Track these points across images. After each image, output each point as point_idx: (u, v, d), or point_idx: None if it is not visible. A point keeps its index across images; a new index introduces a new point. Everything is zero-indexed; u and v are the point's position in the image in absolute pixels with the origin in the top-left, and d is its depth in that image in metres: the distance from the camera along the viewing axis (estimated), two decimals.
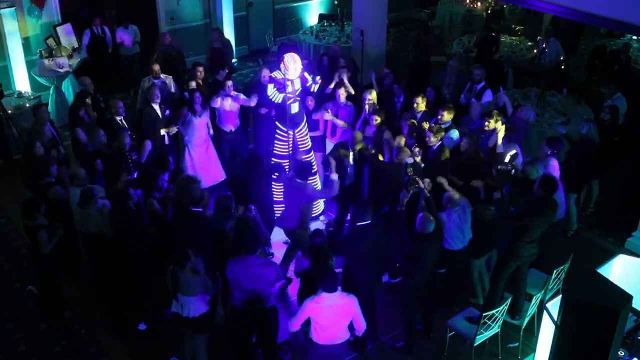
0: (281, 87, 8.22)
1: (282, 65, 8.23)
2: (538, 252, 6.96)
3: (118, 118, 8.76)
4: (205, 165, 9.31)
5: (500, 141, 8.09)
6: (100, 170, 7.84)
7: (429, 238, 6.40)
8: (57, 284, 7.24)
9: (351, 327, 5.95)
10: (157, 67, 10.00)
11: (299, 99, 8.48)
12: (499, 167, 7.37)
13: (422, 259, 6.45)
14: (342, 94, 8.97)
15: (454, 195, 7.00)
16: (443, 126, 8.38)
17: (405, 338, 6.94)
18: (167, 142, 9.19)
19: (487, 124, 8.18)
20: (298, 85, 8.41)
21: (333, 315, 5.69)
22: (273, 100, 8.45)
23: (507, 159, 7.55)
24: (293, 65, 8.18)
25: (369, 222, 6.60)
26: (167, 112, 9.22)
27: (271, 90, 8.41)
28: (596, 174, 8.84)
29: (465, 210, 7.01)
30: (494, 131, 8.17)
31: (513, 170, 7.32)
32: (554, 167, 7.60)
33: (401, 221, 6.84)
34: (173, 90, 10.03)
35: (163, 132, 9.07)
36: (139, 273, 6.98)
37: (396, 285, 7.46)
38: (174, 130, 9.12)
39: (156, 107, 9.10)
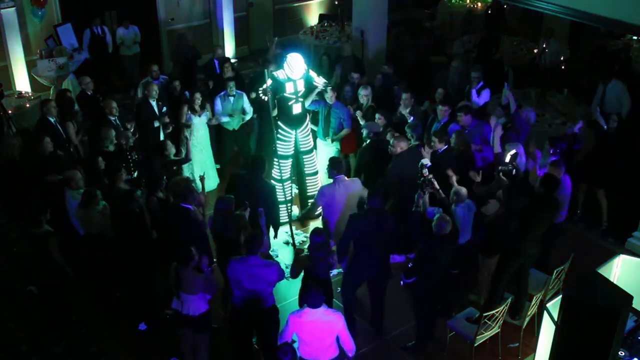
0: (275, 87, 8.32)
1: (285, 65, 8.27)
2: (539, 251, 6.98)
3: (112, 117, 8.79)
4: (202, 168, 9.33)
5: (497, 140, 8.15)
6: (102, 169, 7.86)
7: (444, 238, 6.37)
8: (64, 290, 7.15)
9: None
10: (155, 67, 10.04)
11: (301, 99, 8.51)
12: (500, 167, 7.39)
13: (437, 259, 6.44)
14: (331, 95, 8.94)
15: (460, 189, 7.02)
16: (442, 121, 8.51)
17: (417, 338, 6.93)
18: (162, 138, 9.22)
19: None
20: (301, 86, 8.45)
21: (316, 330, 5.56)
22: (261, 94, 8.56)
23: (507, 159, 7.57)
24: (296, 66, 8.24)
25: (379, 206, 6.62)
26: (164, 108, 9.24)
27: (265, 86, 8.46)
28: (600, 182, 8.74)
29: (469, 208, 7.01)
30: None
31: (514, 170, 7.34)
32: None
33: (416, 221, 6.85)
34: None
35: (157, 123, 9.11)
36: (140, 273, 6.98)
37: (410, 285, 7.48)
38: (169, 128, 9.12)
39: (153, 103, 9.12)
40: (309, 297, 5.53)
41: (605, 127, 8.62)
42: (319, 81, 8.76)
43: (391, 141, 7.83)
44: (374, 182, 7.84)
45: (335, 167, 7.51)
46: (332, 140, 9.05)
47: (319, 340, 5.60)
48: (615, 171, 8.64)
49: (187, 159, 8.73)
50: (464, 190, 7.07)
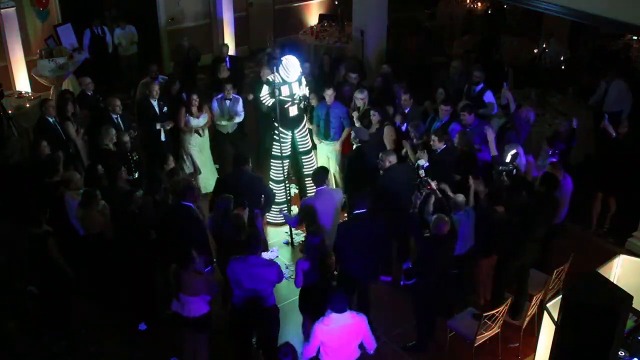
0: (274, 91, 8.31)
1: (280, 68, 8.28)
2: (539, 251, 6.97)
3: (114, 115, 8.80)
4: (202, 169, 9.35)
5: (492, 143, 8.15)
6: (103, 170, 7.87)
7: (443, 239, 6.37)
8: (64, 290, 7.11)
9: (361, 346, 5.74)
10: (154, 67, 10.04)
11: (297, 101, 8.52)
12: (500, 167, 7.39)
13: (436, 259, 6.43)
14: (330, 95, 8.94)
15: (457, 198, 7.01)
16: (444, 120, 8.55)
17: (417, 338, 6.94)
18: (162, 138, 9.22)
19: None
20: (296, 89, 8.46)
21: (343, 335, 5.49)
22: (263, 101, 8.62)
23: (507, 159, 7.57)
24: (292, 68, 8.25)
25: (365, 210, 6.62)
26: (165, 108, 9.25)
27: (264, 92, 8.57)
28: (614, 190, 8.62)
29: (469, 215, 7.01)
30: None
31: (514, 170, 7.34)
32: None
33: (414, 223, 6.82)
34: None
35: (158, 126, 9.11)
36: (140, 273, 6.98)
37: (410, 286, 7.47)
38: (170, 125, 9.14)
39: (154, 102, 9.14)
40: (334, 302, 5.43)
41: (614, 134, 8.44)
42: (300, 90, 8.64)
43: (380, 155, 7.75)
44: (358, 189, 7.72)
45: (315, 179, 7.47)
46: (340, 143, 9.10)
47: (346, 345, 5.54)
48: (627, 176, 8.47)
49: (197, 172, 8.70)
50: (460, 198, 7.04)
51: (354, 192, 7.36)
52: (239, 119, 9.52)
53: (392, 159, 7.65)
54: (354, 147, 8.26)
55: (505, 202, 7.11)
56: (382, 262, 7.41)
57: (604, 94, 9.87)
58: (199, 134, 9.19)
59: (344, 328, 5.46)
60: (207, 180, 9.36)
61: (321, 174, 7.49)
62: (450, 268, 6.85)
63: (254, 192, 7.42)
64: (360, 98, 9.05)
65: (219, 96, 9.42)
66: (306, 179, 8.98)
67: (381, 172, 7.72)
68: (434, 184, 7.04)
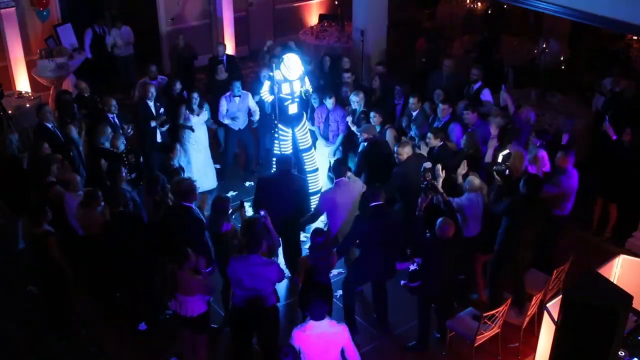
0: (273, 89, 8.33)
1: (282, 66, 8.29)
2: (534, 253, 6.95)
3: (110, 115, 8.81)
4: (200, 168, 9.34)
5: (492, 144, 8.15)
6: (104, 169, 7.89)
7: (448, 242, 6.35)
8: (64, 290, 7.11)
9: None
10: (153, 68, 10.04)
11: (297, 99, 8.53)
12: (494, 167, 7.39)
13: (440, 263, 6.41)
14: (332, 103, 9.00)
15: (474, 179, 7.02)
16: (443, 120, 8.52)
17: (418, 338, 6.93)
18: (158, 139, 9.21)
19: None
20: (297, 87, 8.47)
21: (321, 344, 5.44)
22: (263, 99, 8.69)
23: (499, 159, 7.55)
24: (293, 66, 8.26)
25: (381, 202, 6.63)
26: (162, 109, 9.25)
27: (264, 89, 8.61)
28: (614, 196, 8.58)
29: (481, 197, 7.06)
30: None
31: (507, 170, 7.32)
32: (543, 159, 7.62)
33: (419, 226, 6.81)
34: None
35: (153, 124, 9.12)
36: (139, 273, 6.98)
37: (414, 289, 7.46)
38: (166, 126, 9.14)
39: (150, 104, 9.15)
40: (312, 309, 5.42)
41: (614, 137, 8.38)
42: (304, 87, 8.69)
43: (395, 148, 7.76)
44: (372, 183, 7.79)
45: (335, 170, 7.50)
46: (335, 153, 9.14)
47: (324, 353, 5.50)
48: (626, 181, 8.41)
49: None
50: (477, 180, 7.05)
51: (368, 186, 7.37)
52: (256, 116, 9.61)
53: (409, 151, 7.66)
54: (366, 143, 8.26)
55: (495, 202, 7.11)
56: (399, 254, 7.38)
57: (614, 96, 9.78)
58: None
59: (322, 336, 5.43)
60: (204, 179, 9.35)
61: (341, 165, 7.53)
62: (456, 271, 6.84)
63: (298, 196, 7.53)
64: (356, 101, 9.06)
65: (228, 94, 9.45)
66: (308, 176, 8.98)
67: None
68: (439, 188, 7.02)
